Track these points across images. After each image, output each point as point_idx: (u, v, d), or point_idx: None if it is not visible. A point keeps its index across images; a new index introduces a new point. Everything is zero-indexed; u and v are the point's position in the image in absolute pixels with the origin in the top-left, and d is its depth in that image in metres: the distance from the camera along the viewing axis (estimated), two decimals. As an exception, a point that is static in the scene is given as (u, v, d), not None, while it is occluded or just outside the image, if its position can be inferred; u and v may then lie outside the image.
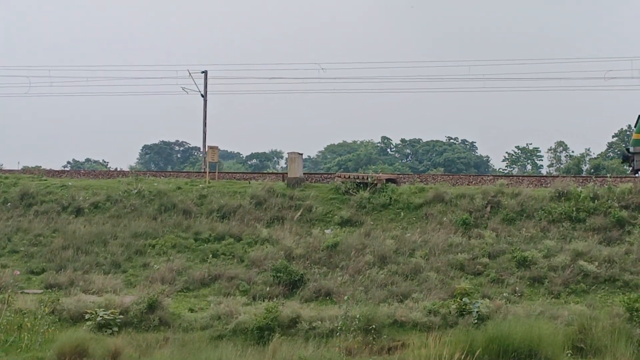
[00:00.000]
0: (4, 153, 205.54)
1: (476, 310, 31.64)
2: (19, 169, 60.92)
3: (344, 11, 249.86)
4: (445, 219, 42.41)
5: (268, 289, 36.79)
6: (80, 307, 33.65)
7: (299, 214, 44.42)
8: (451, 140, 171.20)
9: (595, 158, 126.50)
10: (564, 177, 46.82)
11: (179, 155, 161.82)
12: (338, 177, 48.41)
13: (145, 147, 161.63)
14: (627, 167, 52.25)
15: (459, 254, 38.54)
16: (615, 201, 41.74)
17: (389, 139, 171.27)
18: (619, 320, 30.25)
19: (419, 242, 40.16)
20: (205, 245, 42.08)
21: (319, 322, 31.47)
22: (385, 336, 30.54)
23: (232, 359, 26.63)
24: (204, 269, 39.29)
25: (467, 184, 47.19)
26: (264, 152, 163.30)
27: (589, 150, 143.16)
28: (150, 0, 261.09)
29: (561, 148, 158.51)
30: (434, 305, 32.56)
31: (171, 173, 57.47)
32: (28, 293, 36.78)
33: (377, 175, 47.62)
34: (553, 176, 49.03)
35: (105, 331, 31.89)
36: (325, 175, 52.23)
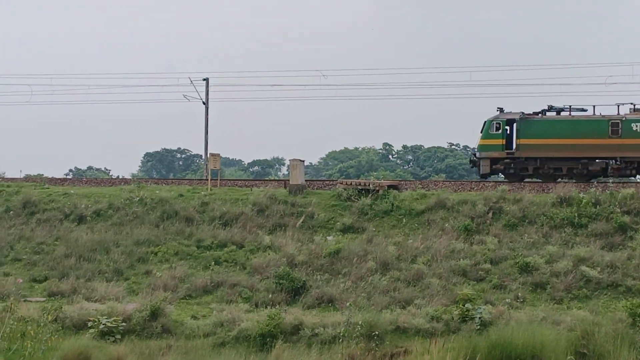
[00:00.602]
0: (6, 161, 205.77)
1: (479, 316, 31.68)
2: (21, 177, 60.93)
3: (345, 18, 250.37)
4: (447, 225, 42.42)
5: (270, 295, 36.79)
6: (83, 314, 33.70)
7: (301, 220, 44.44)
8: (453, 147, 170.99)
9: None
10: (565, 183, 46.88)
11: (180, 163, 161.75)
12: (340, 183, 48.43)
13: (147, 154, 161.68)
14: (478, 173, 55.04)
15: (461, 260, 38.54)
16: (617, 207, 41.74)
17: (391, 145, 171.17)
18: (621, 325, 30.29)
19: (421, 248, 40.17)
20: (208, 252, 42.08)
21: (322, 329, 31.52)
22: (387, 343, 30.58)
23: (234, 366, 26.67)
24: (206, 276, 39.31)
25: (469, 190, 47.18)
26: (266, 159, 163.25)
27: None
28: (151, 8, 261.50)
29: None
30: (436, 312, 32.58)
31: (173, 180, 57.54)
32: (31, 301, 36.83)
33: (379, 181, 47.66)
34: (555, 182, 49.11)
35: (108, 339, 31.95)
36: (327, 182, 52.26)
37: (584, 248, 38.65)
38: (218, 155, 52.80)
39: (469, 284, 36.82)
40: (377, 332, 30.24)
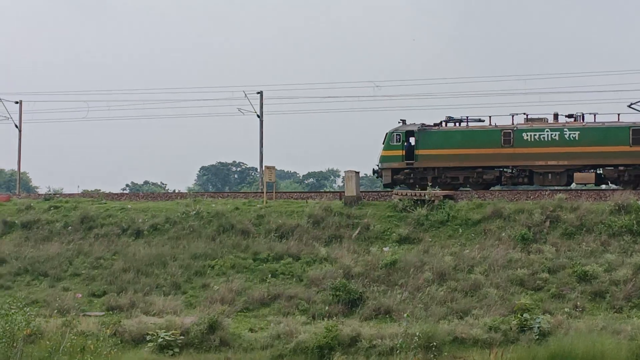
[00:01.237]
0: (64, 177, 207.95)
1: (537, 326, 31.43)
2: (79, 192, 61.61)
3: (396, 28, 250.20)
4: (503, 234, 42.12)
5: (327, 307, 36.79)
6: (142, 328, 33.97)
7: (357, 232, 44.40)
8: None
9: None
10: (623, 190, 46.38)
11: (236, 176, 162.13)
12: (395, 194, 48.32)
13: (202, 168, 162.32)
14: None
15: (519, 269, 38.24)
16: (677, 214, 41.22)
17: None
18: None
19: (477, 258, 39.93)
20: (264, 265, 42.18)
21: (379, 340, 31.46)
22: (446, 353, 30.45)
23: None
24: (263, 288, 39.40)
25: (526, 199, 46.73)
26: (321, 171, 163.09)
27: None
28: (208, 23, 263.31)
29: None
30: (494, 322, 32.39)
31: (229, 194, 57.75)
32: (90, 315, 37.18)
33: (435, 192, 47.44)
34: (612, 190, 48.74)
35: (167, 352, 32.18)
36: (382, 193, 52.13)
37: (644, 256, 38.19)
38: (273, 167, 52.95)
39: (527, 294, 36.50)
40: (434, 343, 30.13)
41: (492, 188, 53.39)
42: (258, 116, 67.87)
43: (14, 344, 26.37)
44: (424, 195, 46.34)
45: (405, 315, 33.65)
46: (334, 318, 35.07)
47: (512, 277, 37.81)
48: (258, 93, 69.18)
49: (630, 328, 31.07)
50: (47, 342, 28.51)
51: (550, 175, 52.38)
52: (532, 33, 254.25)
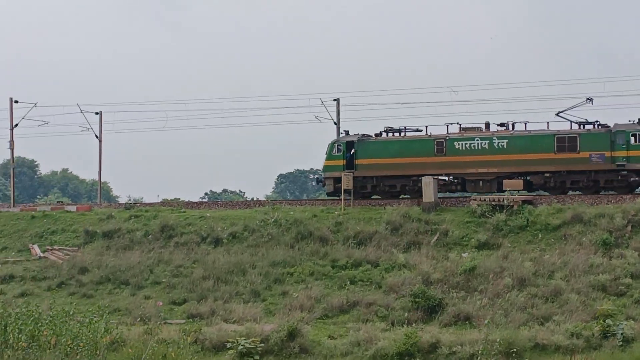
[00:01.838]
0: (144, 187, 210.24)
1: (620, 332, 30.99)
2: (159, 201, 62.18)
3: (473, 32, 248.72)
4: (584, 239, 41.63)
5: (406, 314, 36.70)
6: (222, 336, 34.21)
7: (435, 238, 44.25)
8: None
9: None
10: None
11: (313, 184, 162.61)
12: (473, 200, 48.07)
13: (280, 176, 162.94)
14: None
15: (600, 274, 37.75)
16: None
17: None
18: None
19: (558, 263, 39.51)
20: (343, 272, 42.21)
21: (459, 347, 31.30)
22: (526, 360, 30.17)
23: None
24: (342, 295, 39.44)
25: (606, 203, 46.14)
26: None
27: None
28: (286, 32, 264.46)
29: None
30: (576, 328, 32.02)
31: (307, 201, 57.92)
32: (171, 323, 37.54)
33: (514, 197, 47.10)
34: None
35: (247, 359, 32.32)
36: (460, 199, 51.95)
37: None
38: (351, 174, 52.96)
39: (609, 299, 36.03)
40: (515, 349, 29.89)
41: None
42: (335, 123, 67.77)
43: (97, 352, 26.70)
44: (503, 201, 46.03)
45: (485, 321, 33.43)
46: (413, 324, 34.98)
47: (594, 282, 37.34)
48: (335, 100, 69.13)
49: None
50: (130, 350, 28.80)
51: (481, 182, 54.10)
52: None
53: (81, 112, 72.84)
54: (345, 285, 40.60)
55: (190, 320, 38.82)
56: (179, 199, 63.30)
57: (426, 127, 56.09)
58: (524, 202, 46.40)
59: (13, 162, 69.35)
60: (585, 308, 35.29)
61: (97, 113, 74.31)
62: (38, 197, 78.92)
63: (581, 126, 52.92)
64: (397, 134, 57.29)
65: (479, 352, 30.01)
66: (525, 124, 54.03)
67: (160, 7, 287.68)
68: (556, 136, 52.23)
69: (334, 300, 39.02)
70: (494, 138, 53.65)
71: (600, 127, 52.60)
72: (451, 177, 55.13)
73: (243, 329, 34.65)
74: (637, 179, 51.00)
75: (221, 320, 37.49)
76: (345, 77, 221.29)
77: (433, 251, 42.93)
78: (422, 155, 54.97)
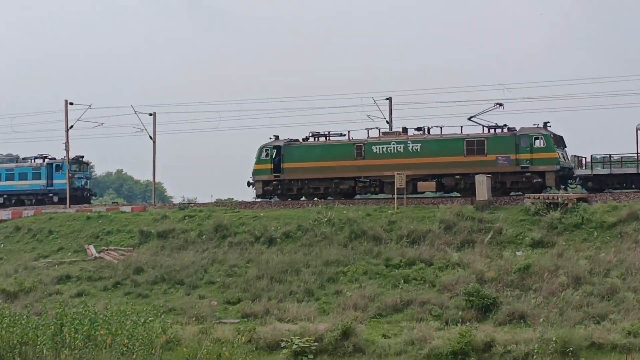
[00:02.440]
0: (198, 187, 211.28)
1: (678, 330, 30.69)
2: (213, 201, 62.52)
3: (527, 28, 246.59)
4: (640, 237, 41.23)
5: (461, 313, 36.55)
6: (276, 335, 34.33)
7: (489, 236, 44.05)
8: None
9: None
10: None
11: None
12: (527, 198, 47.79)
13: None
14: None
15: (658, 273, 37.38)
16: None
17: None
18: None
19: (614, 261, 39.14)
20: (396, 271, 42.14)
21: (514, 346, 31.15)
22: (583, 359, 29.94)
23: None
24: (395, 294, 39.38)
25: (663, 201, 45.62)
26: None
27: None
28: (331, 26, 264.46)
29: None
30: (633, 327, 31.71)
31: (360, 200, 57.90)
32: (225, 323, 37.74)
33: (568, 194, 46.76)
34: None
35: (301, 358, 32.43)
36: (514, 197, 51.66)
37: None
38: (403, 174, 52.87)
39: (667, 297, 35.64)
40: (571, 349, 29.69)
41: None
42: (387, 122, 67.69)
43: (153, 351, 26.97)
44: (557, 198, 45.71)
45: (541, 320, 33.21)
46: (468, 323, 34.82)
47: (651, 280, 36.96)
48: (387, 99, 69.01)
49: None
50: (185, 349, 29.08)
51: None
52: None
53: (135, 113, 73.57)
54: (399, 284, 40.54)
55: (245, 319, 38.98)
56: (233, 199, 63.64)
57: (349, 132, 59.27)
58: (579, 199, 46.05)
59: (69, 163, 70.01)
60: (642, 306, 34.95)
61: (151, 114, 74.97)
62: (93, 197, 79.49)
63: (490, 130, 55.64)
64: (322, 139, 60.28)
65: (534, 351, 29.87)
66: (441, 127, 56.93)
67: (214, 8, 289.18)
68: (465, 140, 55.00)
69: (387, 299, 38.99)
70: (409, 142, 56.57)
71: (508, 130, 55.18)
72: (369, 180, 57.51)
73: (297, 328, 34.75)
74: (540, 180, 52.89)
75: (275, 319, 37.60)
76: (398, 75, 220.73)
77: (487, 250, 42.74)
78: (343, 159, 58.10)
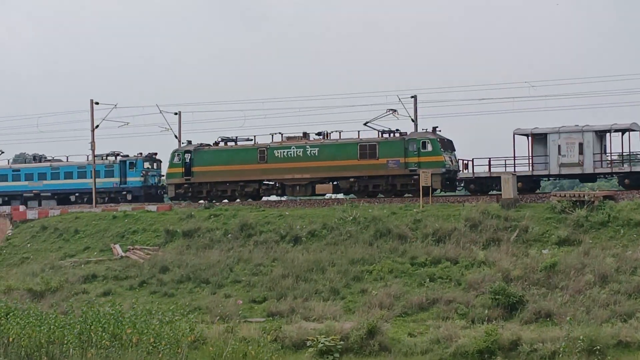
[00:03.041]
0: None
1: None
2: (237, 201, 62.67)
3: (550, 26, 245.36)
4: (668, 235, 41.02)
5: (487, 311, 36.46)
6: (302, 334, 34.39)
7: (515, 234, 43.89)
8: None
9: None
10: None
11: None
12: (553, 196, 47.62)
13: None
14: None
15: (685, 270, 37.17)
16: None
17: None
18: None
19: (641, 259, 38.97)
20: (422, 269, 42.07)
21: (541, 344, 31.08)
22: (610, 357, 29.84)
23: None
24: (421, 293, 39.33)
25: (690, 198, 45.31)
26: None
27: None
28: (355, 28, 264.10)
29: None
30: (660, 325, 31.57)
31: (385, 199, 57.85)
32: (251, 322, 37.80)
33: (594, 192, 46.55)
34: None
35: (327, 357, 32.48)
36: (540, 195, 51.45)
37: None
38: (428, 172, 52.78)
39: (694, 296, 35.45)
40: (598, 347, 29.58)
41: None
42: (412, 120, 67.49)
43: (179, 350, 27.01)
44: (583, 196, 45.50)
45: (567, 318, 33.09)
46: (494, 322, 34.76)
47: (679, 278, 36.76)
48: (412, 97, 68.80)
49: None
50: (211, 348, 29.10)
51: (297, 186, 59.72)
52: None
53: (160, 112, 73.87)
54: (425, 282, 40.49)
55: (270, 318, 39.05)
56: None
57: (254, 136, 62.38)
58: (605, 197, 45.81)
59: (94, 162, 70.20)
60: (670, 305, 34.76)
61: (176, 113, 75.29)
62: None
63: (382, 135, 58.90)
64: (230, 144, 63.13)
65: (561, 349, 29.78)
66: (340, 132, 59.74)
67: (237, 9, 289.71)
68: (359, 144, 58.10)
69: (413, 298, 38.95)
70: (307, 146, 59.49)
71: (400, 135, 58.40)
72: (272, 183, 60.95)
73: (323, 326, 34.79)
74: None
75: (301, 318, 37.67)
76: (423, 72, 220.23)
77: (513, 248, 42.59)
78: (248, 162, 61.00)
